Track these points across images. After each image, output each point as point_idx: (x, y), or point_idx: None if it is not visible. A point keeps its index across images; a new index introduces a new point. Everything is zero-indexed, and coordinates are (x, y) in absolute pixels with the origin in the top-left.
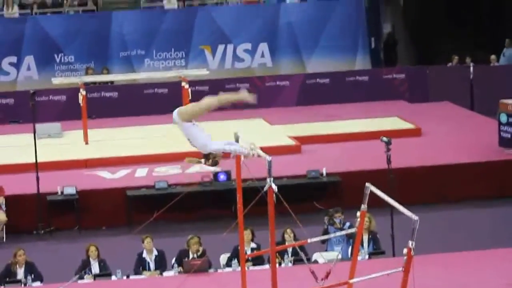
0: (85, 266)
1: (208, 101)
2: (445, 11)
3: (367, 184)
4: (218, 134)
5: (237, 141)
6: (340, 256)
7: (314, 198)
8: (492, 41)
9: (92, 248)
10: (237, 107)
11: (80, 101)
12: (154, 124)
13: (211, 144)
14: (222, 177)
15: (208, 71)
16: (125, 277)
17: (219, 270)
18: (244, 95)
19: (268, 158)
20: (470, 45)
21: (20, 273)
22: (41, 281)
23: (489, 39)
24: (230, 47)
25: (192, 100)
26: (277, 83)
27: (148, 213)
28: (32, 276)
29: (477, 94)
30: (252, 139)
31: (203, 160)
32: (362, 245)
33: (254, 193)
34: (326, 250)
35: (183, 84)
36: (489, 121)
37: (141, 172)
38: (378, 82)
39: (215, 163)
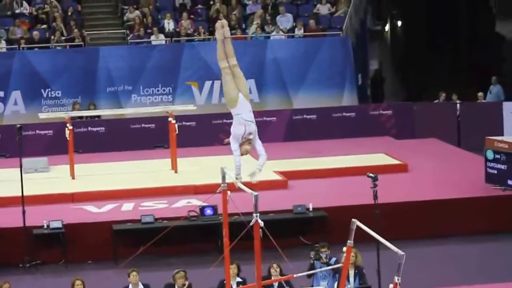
0: None
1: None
2: (431, 48)
3: (353, 220)
4: (207, 169)
5: (223, 176)
6: None
7: (300, 233)
8: (478, 79)
9: (78, 282)
10: (224, 143)
11: (67, 135)
12: (141, 159)
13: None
14: (208, 211)
15: (195, 106)
16: None
17: None
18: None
19: (255, 193)
20: (457, 82)
21: None
22: None
23: (475, 77)
24: (217, 83)
25: (178, 135)
26: (264, 118)
27: (134, 247)
28: None
29: (463, 130)
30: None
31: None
32: (348, 280)
33: (241, 228)
34: (312, 285)
35: (170, 119)
36: (476, 157)
37: (128, 206)
38: (365, 118)
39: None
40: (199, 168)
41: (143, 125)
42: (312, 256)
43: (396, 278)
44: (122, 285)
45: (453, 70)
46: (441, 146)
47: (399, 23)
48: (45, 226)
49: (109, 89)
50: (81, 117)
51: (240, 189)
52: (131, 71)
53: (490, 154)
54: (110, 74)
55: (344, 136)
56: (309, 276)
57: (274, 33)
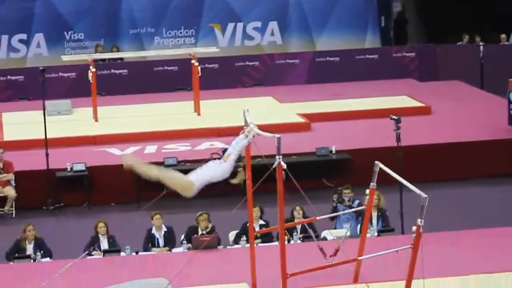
0: (94, 242)
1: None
2: None
3: (376, 162)
4: (229, 111)
5: (245, 118)
6: (349, 233)
7: (323, 176)
8: (502, 20)
9: (101, 225)
10: (246, 85)
11: (90, 78)
12: (164, 102)
13: (226, 165)
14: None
15: (218, 48)
16: (134, 253)
17: (228, 247)
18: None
19: (277, 135)
20: (480, 24)
21: (30, 248)
22: (50, 257)
23: (499, 18)
24: (240, 25)
25: (201, 78)
26: (287, 61)
27: (157, 190)
28: (41, 251)
29: (487, 73)
30: (262, 117)
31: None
32: (371, 223)
33: (264, 171)
34: (335, 228)
35: (193, 61)
36: (499, 100)
37: (151, 149)
38: (388, 61)
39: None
40: (221, 110)
41: (165, 67)
42: (335, 199)
43: (419, 220)
44: (145, 228)
45: (476, 14)
46: (465, 88)
47: None
48: (68, 169)
49: (131, 31)
50: (103, 60)
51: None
52: (154, 13)
53: None
54: (132, 16)
55: (367, 79)
56: (332, 218)
57: None
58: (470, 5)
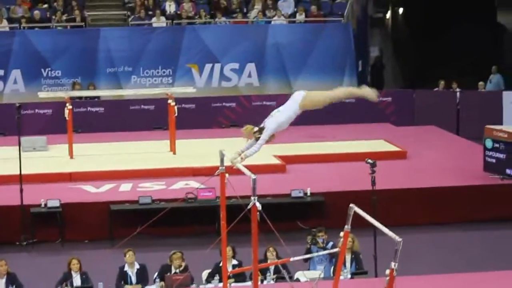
0: (66, 278)
1: (337, 92)
2: (433, 37)
3: (351, 205)
4: (205, 151)
5: (222, 159)
6: (322, 275)
7: (297, 217)
8: (479, 68)
9: (74, 261)
10: (223, 126)
11: (66, 115)
12: (140, 140)
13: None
14: (206, 194)
15: (195, 89)
16: None
17: (201, 286)
18: (367, 91)
19: (253, 176)
20: (456, 70)
21: (1, 283)
22: None
23: (476, 66)
24: (217, 66)
25: (177, 118)
26: (264, 102)
27: (131, 227)
28: (14, 287)
29: (463, 119)
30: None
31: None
32: (345, 265)
33: (238, 211)
34: (308, 269)
35: (169, 101)
36: (475, 146)
37: (126, 187)
38: (365, 105)
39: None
40: (197, 150)
41: (142, 106)
42: (309, 241)
43: (392, 264)
44: (118, 265)
45: (453, 59)
46: (441, 133)
47: (401, 10)
48: (43, 205)
49: (109, 70)
50: (80, 97)
51: (238, 172)
52: (132, 52)
53: (489, 143)
54: (110, 55)
55: (344, 122)
56: (306, 260)
57: (275, 18)
58: (448, 52)
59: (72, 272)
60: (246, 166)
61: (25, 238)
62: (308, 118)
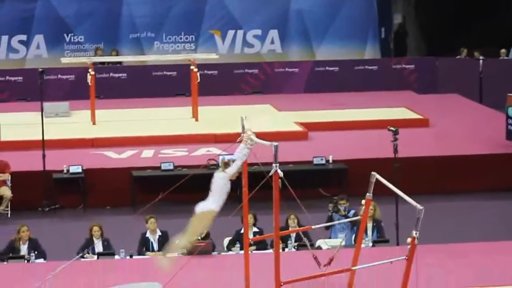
0: (88, 245)
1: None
2: (457, 4)
3: (373, 173)
4: (227, 118)
5: (243, 125)
6: (343, 243)
7: (319, 185)
8: (502, 35)
9: (96, 228)
10: (245, 93)
11: (89, 81)
12: (162, 106)
13: (230, 172)
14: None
15: (218, 55)
16: (128, 257)
17: (222, 253)
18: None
19: (275, 143)
20: (480, 38)
21: (24, 249)
22: (44, 258)
23: (499, 33)
24: (240, 33)
25: (200, 84)
26: (286, 69)
27: (153, 194)
28: (35, 252)
29: (485, 87)
30: (260, 125)
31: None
32: (366, 233)
33: (260, 178)
34: (330, 237)
35: (192, 67)
36: (497, 114)
37: (148, 153)
38: (387, 72)
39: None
40: (219, 117)
41: (165, 72)
42: (330, 208)
43: (414, 232)
44: (140, 232)
45: (476, 27)
46: (463, 101)
47: None
48: (65, 171)
49: (132, 35)
50: (103, 63)
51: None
52: (154, 18)
53: (511, 111)
54: (133, 20)
55: (366, 89)
56: (327, 228)
57: None
58: (471, 19)
59: (94, 239)
60: (268, 133)
61: (47, 204)
62: (329, 86)
